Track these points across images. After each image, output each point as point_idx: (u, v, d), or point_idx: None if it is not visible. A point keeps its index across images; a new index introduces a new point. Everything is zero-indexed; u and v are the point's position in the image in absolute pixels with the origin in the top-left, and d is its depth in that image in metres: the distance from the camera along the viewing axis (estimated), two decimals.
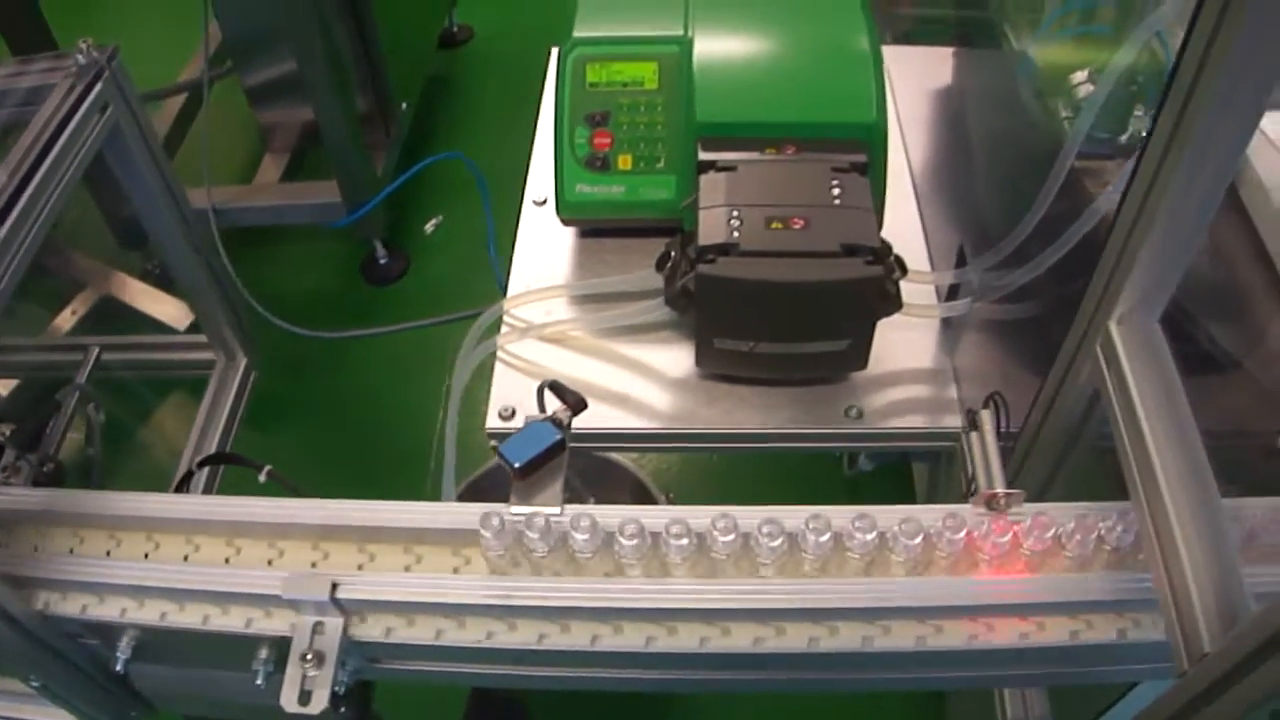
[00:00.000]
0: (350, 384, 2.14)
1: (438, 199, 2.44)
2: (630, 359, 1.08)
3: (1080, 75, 1.01)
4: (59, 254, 2.23)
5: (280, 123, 2.32)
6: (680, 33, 1.10)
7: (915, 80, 1.39)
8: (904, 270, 0.99)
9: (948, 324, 1.08)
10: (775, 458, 1.91)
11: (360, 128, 2.15)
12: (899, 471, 1.74)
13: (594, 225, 1.18)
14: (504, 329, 1.11)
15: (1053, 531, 0.68)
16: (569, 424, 0.79)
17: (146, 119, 1.25)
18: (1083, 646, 0.70)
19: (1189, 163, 0.61)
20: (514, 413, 1.03)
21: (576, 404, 0.81)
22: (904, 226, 1.18)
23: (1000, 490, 0.70)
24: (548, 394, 0.83)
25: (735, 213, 0.95)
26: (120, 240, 2.21)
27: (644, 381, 1.06)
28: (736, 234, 0.94)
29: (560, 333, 1.09)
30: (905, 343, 1.07)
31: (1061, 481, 0.87)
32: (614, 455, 1.48)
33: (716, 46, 1.09)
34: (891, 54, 1.43)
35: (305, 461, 1.96)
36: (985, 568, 0.70)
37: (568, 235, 1.21)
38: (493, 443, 1.01)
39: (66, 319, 2.13)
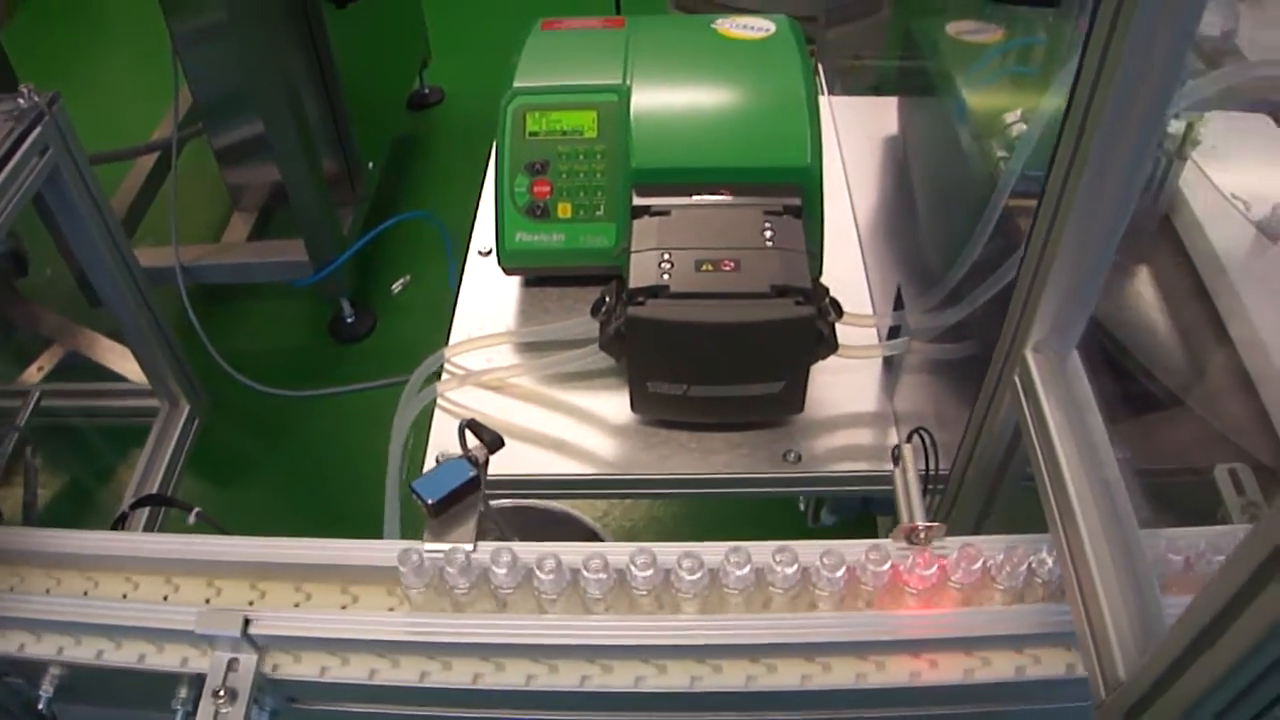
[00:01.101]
0: (315, 441, 2.13)
1: (406, 259, 2.45)
2: (570, 405, 1.07)
3: (1013, 115, 1.01)
4: (27, 311, 2.23)
5: (248, 182, 2.34)
6: (619, 82, 1.11)
7: (863, 129, 1.40)
8: (839, 312, 0.98)
9: (889, 366, 1.08)
10: (742, 513, 1.90)
11: (327, 187, 2.17)
12: (864, 524, 1.72)
13: (536, 273, 1.18)
14: (445, 377, 1.10)
15: (980, 563, 0.67)
16: (485, 461, 0.78)
17: (86, 163, 1.27)
18: (1029, 682, 0.69)
19: (1087, 191, 0.61)
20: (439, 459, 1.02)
21: (493, 442, 0.80)
22: (846, 271, 1.18)
23: (920, 524, 0.69)
24: (467, 433, 0.82)
25: (666, 256, 0.95)
26: (89, 298, 2.22)
27: (583, 427, 1.05)
28: (667, 277, 0.93)
29: (499, 380, 1.08)
30: (845, 385, 1.06)
31: (995, 521, 0.86)
32: (569, 509, 1.47)
33: (654, 95, 1.10)
34: (841, 104, 1.46)
35: (271, 517, 1.94)
36: (914, 602, 0.68)
37: (512, 285, 1.20)
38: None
39: (33, 374, 2.13)
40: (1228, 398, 0.94)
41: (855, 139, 1.38)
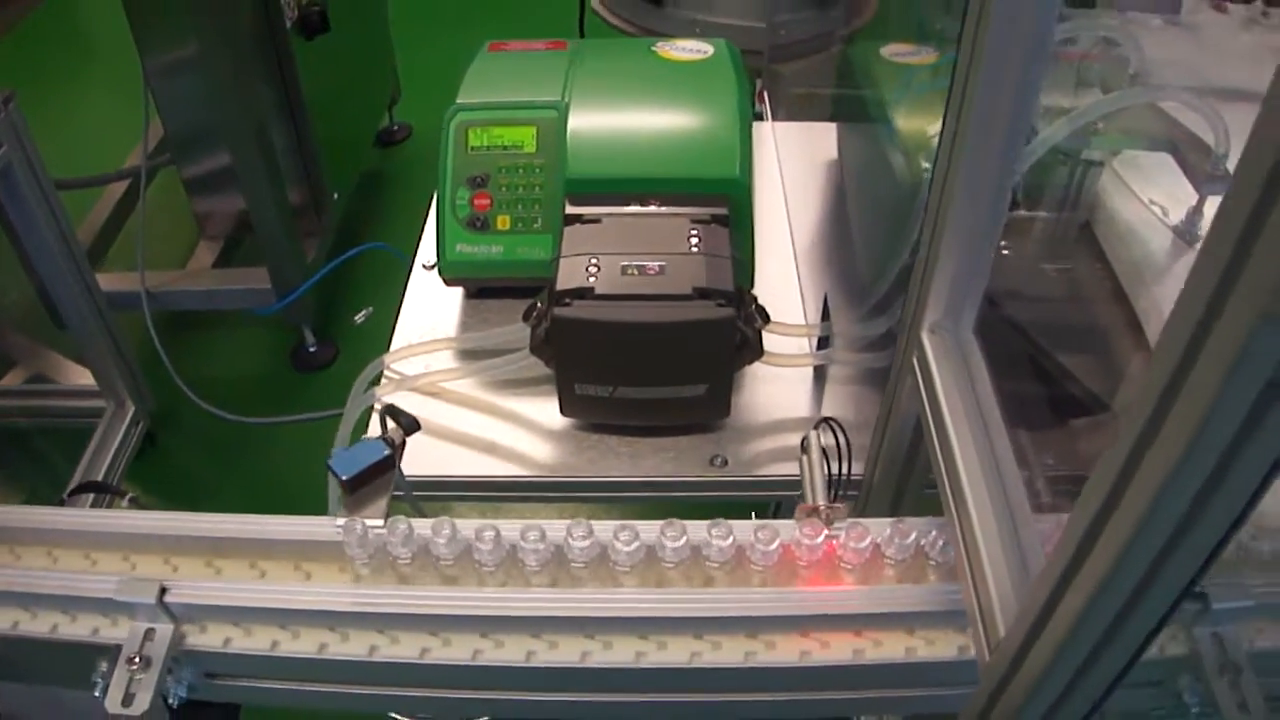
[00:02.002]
0: (275, 467, 2.14)
1: (370, 290, 2.47)
2: (505, 410, 1.09)
3: (935, 127, 1.04)
4: None
5: (215, 211, 2.37)
6: (559, 99, 1.14)
7: (804, 153, 1.44)
8: (765, 319, 1.01)
9: (820, 375, 1.10)
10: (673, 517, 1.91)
11: (292, 218, 2.19)
12: None
13: (477, 284, 1.20)
14: (383, 382, 1.12)
15: (868, 540, 0.68)
16: (401, 443, 0.80)
17: (39, 159, 1.29)
18: (921, 664, 0.69)
19: (968, 171, 0.64)
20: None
21: (409, 425, 0.82)
22: (782, 285, 1.21)
23: (821, 504, 0.71)
24: (386, 418, 0.84)
25: (594, 260, 0.98)
26: (55, 320, 2.23)
27: (516, 431, 1.06)
28: (593, 279, 0.96)
29: (434, 385, 1.10)
30: (775, 394, 1.08)
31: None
32: None
33: (591, 110, 1.13)
34: (785, 129, 1.50)
35: None
36: (805, 578, 0.69)
37: (455, 297, 1.23)
38: None
39: None
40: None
41: (797, 162, 1.42)
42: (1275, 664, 0.75)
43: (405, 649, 0.71)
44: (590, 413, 1.03)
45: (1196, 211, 1.05)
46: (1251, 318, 0.33)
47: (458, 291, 1.23)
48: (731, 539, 0.69)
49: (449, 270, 1.16)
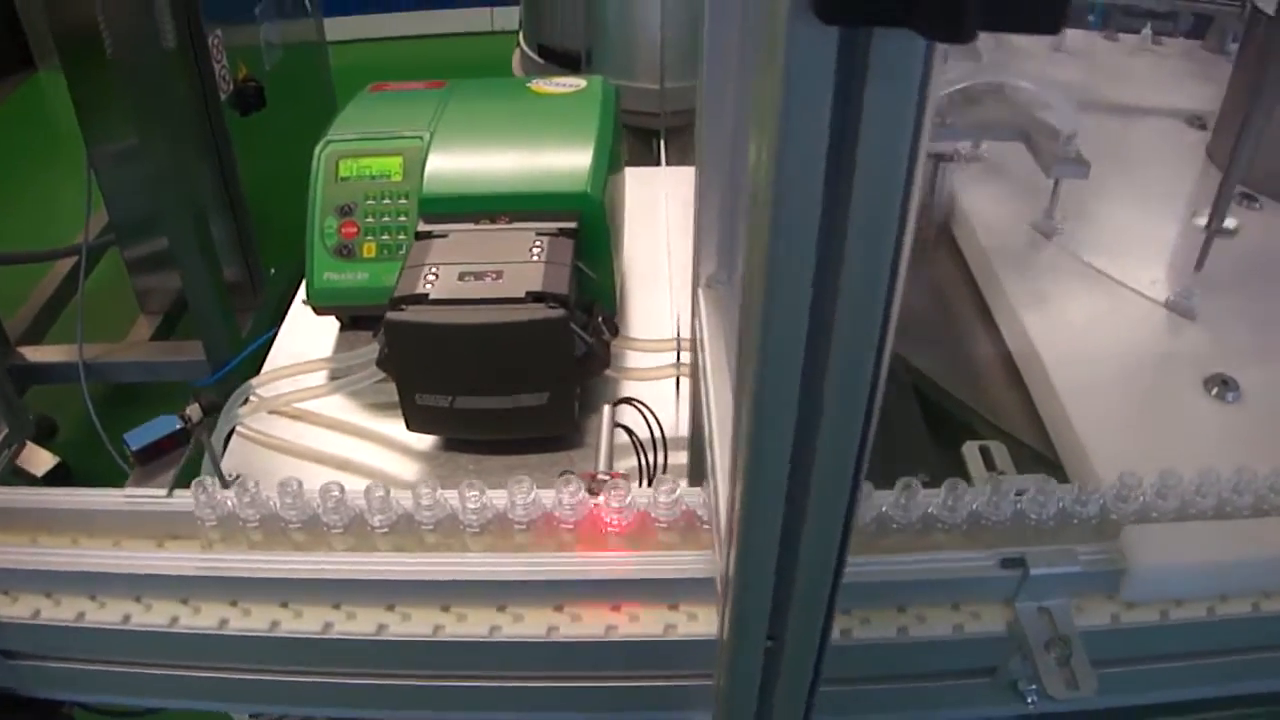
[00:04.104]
0: None
1: None
2: (366, 429, 1.08)
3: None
4: None
5: (155, 287, 2.41)
6: (427, 129, 1.16)
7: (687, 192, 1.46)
8: (614, 331, 1.01)
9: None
10: None
11: (226, 294, 2.22)
12: None
13: (347, 313, 1.20)
14: (246, 406, 1.11)
15: (629, 499, 0.67)
16: (198, 420, 0.80)
17: None
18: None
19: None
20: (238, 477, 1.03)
21: (209, 406, 0.82)
22: (657, 310, 1.21)
23: (599, 472, 0.70)
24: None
25: (433, 270, 0.98)
26: None
27: (372, 449, 1.06)
28: (429, 286, 0.96)
29: (296, 408, 1.10)
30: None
31: None
32: None
33: (453, 136, 1.15)
34: (676, 174, 1.52)
35: None
36: (575, 545, 0.68)
37: (331, 327, 1.23)
38: None
39: None
40: (993, 382, 0.97)
41: (685, 204, 1.43)
42: (1110, 639, 0.74)
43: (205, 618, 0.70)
44: (434, 425, 1.02)
45: (1052, 203, 1.06)
46: None
47: (334, 323, 1.23)
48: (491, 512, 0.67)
49: (317, 298, 1.17)
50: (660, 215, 1.42)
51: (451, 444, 1.06)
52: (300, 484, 0.74)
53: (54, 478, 2.23)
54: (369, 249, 1.15)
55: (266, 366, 1.17)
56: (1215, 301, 1.04)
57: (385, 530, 0.70)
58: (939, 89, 0.95)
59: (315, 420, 1.10)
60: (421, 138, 1.16)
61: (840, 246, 0.35)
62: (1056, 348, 0.94)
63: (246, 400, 1.13)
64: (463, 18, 4.62)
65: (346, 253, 1.15)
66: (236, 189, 2.22)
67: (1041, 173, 1.05)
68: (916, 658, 0.70)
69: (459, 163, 1.12)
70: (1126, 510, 0.76)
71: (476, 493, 0.67)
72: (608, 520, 0.67)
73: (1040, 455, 0.91)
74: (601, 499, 0.67)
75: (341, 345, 1.21)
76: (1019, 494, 0.75)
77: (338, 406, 1.11)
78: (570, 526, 0.67)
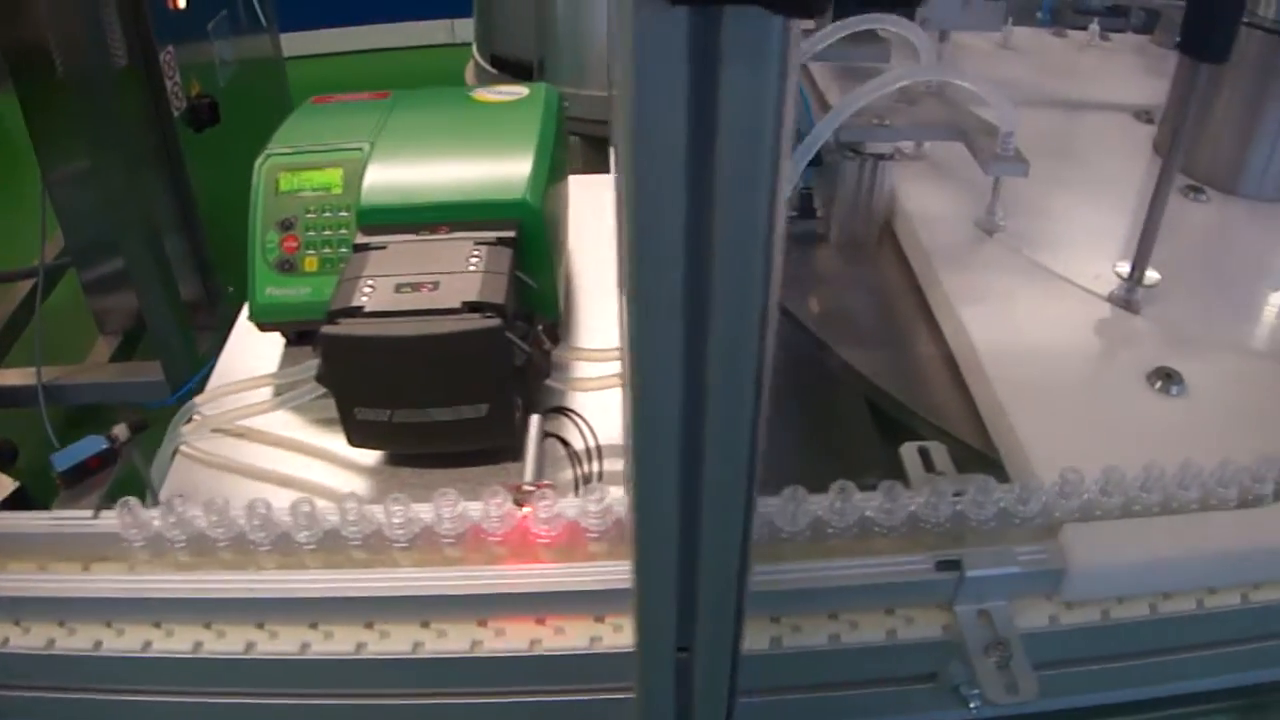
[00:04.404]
0: None
1: None
2: (310, 446, 1.07)
3: None
4: None
5: (113, 308, 2.38)
6: (368, 141, 1.15)
7: None
8: (554, 340, 1.00)
9: None
10: None
11: (184, 314, 2.20)
12: None
13: (290, 328, 1.19)
14: (189, 425, 1.10)
15: (556, 510, 0.66)
16: (126, 439, 0.78)
17: None
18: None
19: None
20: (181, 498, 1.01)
21: (137, 424, 0.80)
22: (606, 319, 1.20)
23: (525, 484, 0.69)
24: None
25: (370, 283, 0.97)
26: None
27: (315, 465, 1.04)
28: (365, 298, 0.95)
29: (230, 421, 1.08)
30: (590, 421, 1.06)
31: None
32: None
33: (394, 147, 1.14)
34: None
35: None
36: (505, 558, 0.67)
37: (277, 344, 1.21)
38: None
39: None
40: (936, 383, 0.96)
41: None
42: (1051, 640, 0.73)
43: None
44: (375, 440, 1.01)
45: (994, 201, 1.06)
46: None
47: (279, 340, 1.21)
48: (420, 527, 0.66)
49: (259, 314, 1.15)
50: (611, 223, 1.41)
51: (396, 458, 1.04)
52: (227, 501, 0.72)
53: (13, 502, 2.20)
54: (310, 263, 1.13)
55: (210, 384, 1.16)
56: (1160, 294, 1.04)
57: (312, 547, 0.68)
58: (876, 89, 0.94)
59: (259, 438, 1.09)
60: (362, 149, 1.14)
61: (708, 241, 0.34)
62: (996, 345, 0.93)
63: (190, 419, 1.11)
64: (422, 30, 4.61)
65: (288, 267, 1.13)
66: (191, 207, 2.20)
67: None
68: (851, 664, 0.69)
69: (398, 174, 1.10)
70: (1069, 508, 0.75)
71: (401, 507, 0.66)
72: (536, 532, 0.65)
73: (984, 456, 0.90)
74: (528, 510, 0.66)
75: (287, 361, 1.20)
76: (957, 495, 0.74)
77: (284, 423, 1.10)
78: (499, 539, 0.66)
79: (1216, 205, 1.26)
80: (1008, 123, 0.98)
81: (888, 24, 1.03)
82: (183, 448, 1.08)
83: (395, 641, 0.64)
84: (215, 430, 1.09)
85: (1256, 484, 0.78)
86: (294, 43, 3.20)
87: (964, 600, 0.70)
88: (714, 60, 0.30)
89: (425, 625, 0.64)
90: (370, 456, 1.05)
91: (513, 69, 2.12)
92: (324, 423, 1.09)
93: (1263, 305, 1.09)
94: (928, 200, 1.09)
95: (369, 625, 0.65)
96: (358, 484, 1.02)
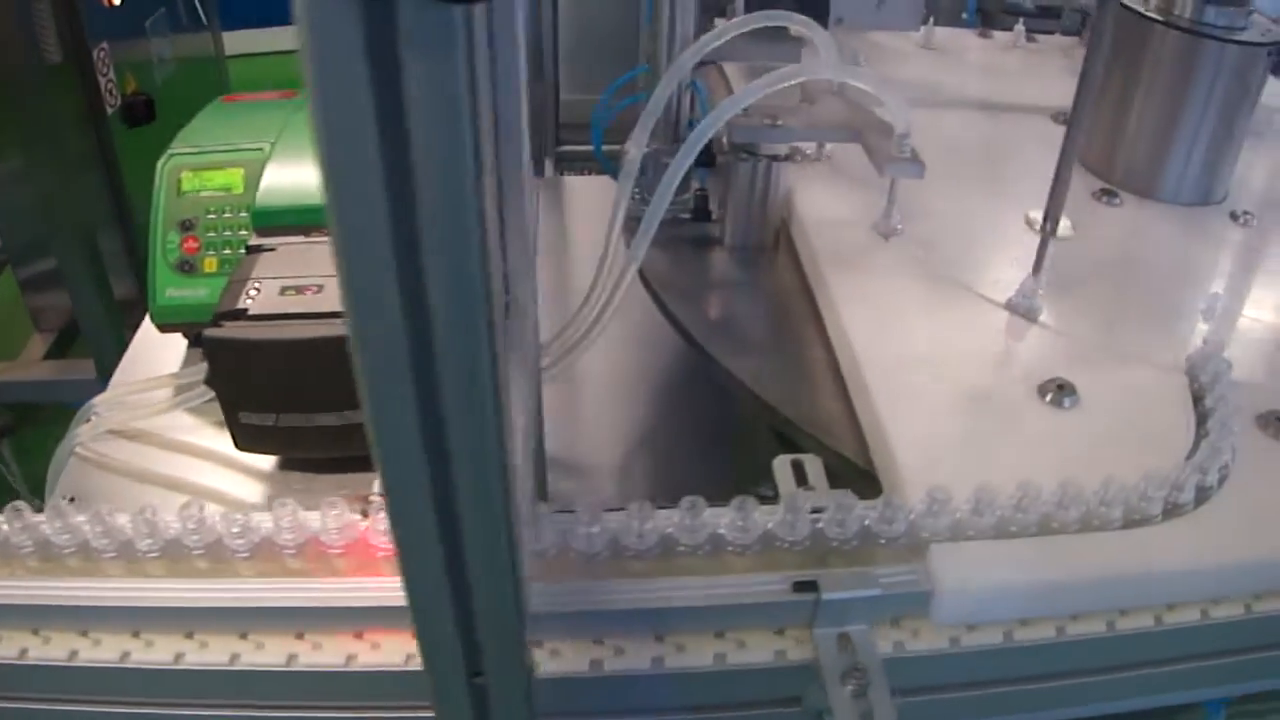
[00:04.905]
0: None
1: None
2: (203, 449, 1.06)
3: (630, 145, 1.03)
4: None
5: (48, 306, 2.36)
6: (272, 140, 1.14)
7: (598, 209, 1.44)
8: None
9: None
10: None
11: (118, 311, 2.18)
12: None
13: (189, 329, 1.17)
14: (86, 426, 1.09)
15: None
16: None
17: None
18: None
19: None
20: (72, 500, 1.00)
21: (4, 428, 0.79)
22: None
23: (372, 494, 0.68)
24: None
25: (256, 285, 0.96)
26: None
27: (205, 467, 1.03)
28: (250, 301, 0.94)
29: (124, 423, 1.07)
30: None
31: None
32: None
33: (295, 148, 1.13)
34: (579, 183, 1.51)
35: None
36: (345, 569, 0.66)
37: (180, 345, 1.20)
38: None
39: None
40: (821, 393, 0.94)
41: (588, 218, 1.40)
42: (915, 666, 0.70)
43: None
44: (261, 444, 1.00)
45: (890, 203, 1.05)
46: None
47: (181, 341, 1.20)
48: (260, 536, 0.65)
49: (160, 316, 1.14)
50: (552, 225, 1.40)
51: (289, 463, 1.03)
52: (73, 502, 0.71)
53: None
54: (210, 264, 1.12)
55: (111, 384, 1.14)
56: (1061, 302, 1.01)
57: (155, 555, 0.67)
58: (765, 87, 0.93)
59: (153, 440, 1.08)
60: (263, 149, 1.13)
61: (417, 254, 0.33)
62: (880, 353, 0.90)
63: (88, 419, 1.10)
64: None
65: (188, 268, 1.12)
66: (125, 204, 2.18)
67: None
68: (708, 688, 0.67)
69: (295, 175, 1.09)
70: (938, 527, 0.72)
71: (240, 515, 0.65)
72: (377, 544, 0.65)
73: (868, 472, 0.87)
74: (370, 522, 0.65)
75: (189, 363, 1.18)
76: (816, 512, 0.72)
77: (183, 425, 1.09)
78: (339, 551, 0.65)
79: (1130, 209, 1.24)
80: (902, 123, 0.98)
81: (786, 20, 1.02)
82: (77, 449, 1.07)
83: (213, 652, 0.63)
84: (110, 431, 1.08)
85: (1143, 503, 0.75)
86: (238, 41, 3.18)
87: (823, 623, 0.67)
88: (395, 57, 0.30)
89: (243, 637, 0.63)
90: (265, 461, 1.04)
91: None
92: (221, 425, 1.08)
93: (1169, 312, 1.05)
94: (825, 203, 1.07)
95: (188, 635, 0.64)
96: (249, 488, 1.01)
